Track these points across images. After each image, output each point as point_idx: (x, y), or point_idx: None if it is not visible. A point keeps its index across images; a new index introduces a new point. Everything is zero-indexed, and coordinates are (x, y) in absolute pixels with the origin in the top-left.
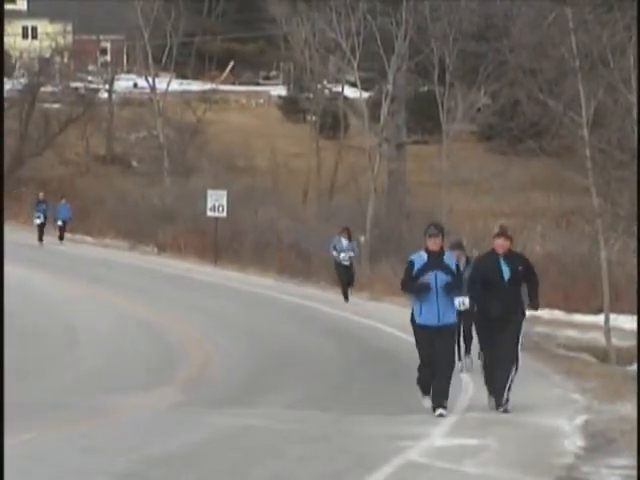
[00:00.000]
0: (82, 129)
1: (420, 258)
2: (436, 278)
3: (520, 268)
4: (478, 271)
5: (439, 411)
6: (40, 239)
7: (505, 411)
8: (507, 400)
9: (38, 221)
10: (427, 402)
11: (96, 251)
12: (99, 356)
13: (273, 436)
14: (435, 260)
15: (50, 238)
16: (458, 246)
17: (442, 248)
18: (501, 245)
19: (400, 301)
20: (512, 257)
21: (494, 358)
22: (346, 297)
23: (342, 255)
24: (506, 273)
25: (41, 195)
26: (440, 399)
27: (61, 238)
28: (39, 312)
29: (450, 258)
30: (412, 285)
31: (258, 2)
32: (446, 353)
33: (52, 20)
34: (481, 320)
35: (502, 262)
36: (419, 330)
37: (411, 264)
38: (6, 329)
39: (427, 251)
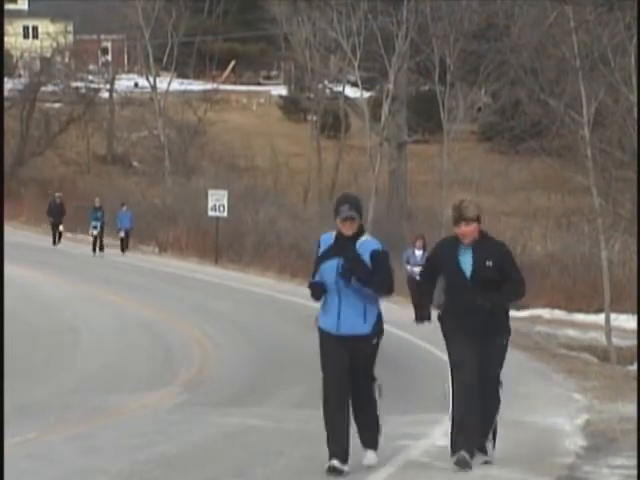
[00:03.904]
0: (83, 129)
1: (328, 239)
2: (338, 269)
3: (489, 263)
4: (431, 261)
5: (332, 462)
6: (94, 249)
7: (487, 462)
8: (489, 447)
9: (95, 232)
10: (336, 463)
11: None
12: (100, 356)
13: (274, 436)
14: (343, 244)
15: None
16: None
17: (361, 230)
18: (464, 234)
19: (399, 300)
20: (482, 246)
21: (468, 373)
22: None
23: (415, 269)
24: (466, 267)
25: (97, 201)
26: (335, 446)
27: (123, 249)
28: (40, 312)
29: (368, 245)
30: (312, 279)
31: (259, 2)
32: (358, 379)
33: (53, 20)
34: (448, 330)
35: (463, 252)
36: (320, 335)
37: (317, 245)
38: (6, 329)
39: (337, 232)
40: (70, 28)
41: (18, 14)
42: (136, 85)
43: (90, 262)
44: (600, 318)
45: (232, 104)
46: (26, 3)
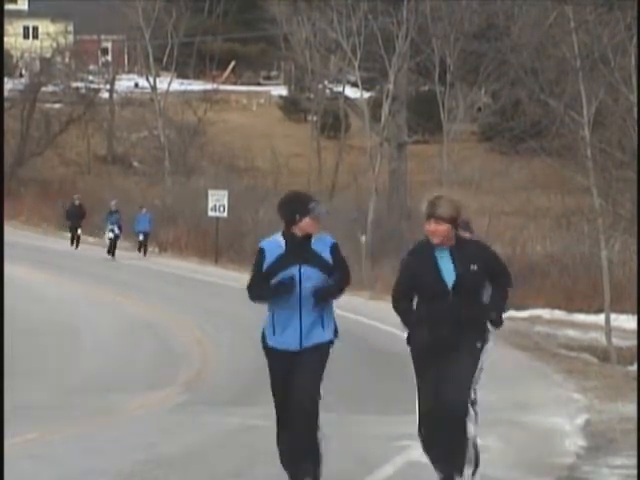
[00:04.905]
0: (83, 129)
1: (275, 245)
2: (300, 276)
3: (474, 267)
4: (408, 271)
5: None
6: (111, 253)
7: None
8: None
9: (111, 235)
10: None
11: (97, 251)
12: (100, 356)
13: (274, 436)
14: (298, 248)
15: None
16: (464, 227)
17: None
18: (432, 232)
19: None
20: (463, 249)
21: (438, 407)
22: None
23: None
24: (449, 276)
25: (113, 204)
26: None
27: (144, 252)
28: (40, 312)
29: (324, 242)
30: (265, 288)
31: (259, 2)
32: (305, 387)
33: (53, 20)
34: (416, 350)
35: (442, 258)
36: (272, 357)
37: (261, 254)
38: (6, 329)
39: (286, 235)
40: (70, 28)
41: (18, 14)
42: (136, 85)
43: (90, 262)
44: (600, 318)
45: (232, 104)
46: (26, 3)
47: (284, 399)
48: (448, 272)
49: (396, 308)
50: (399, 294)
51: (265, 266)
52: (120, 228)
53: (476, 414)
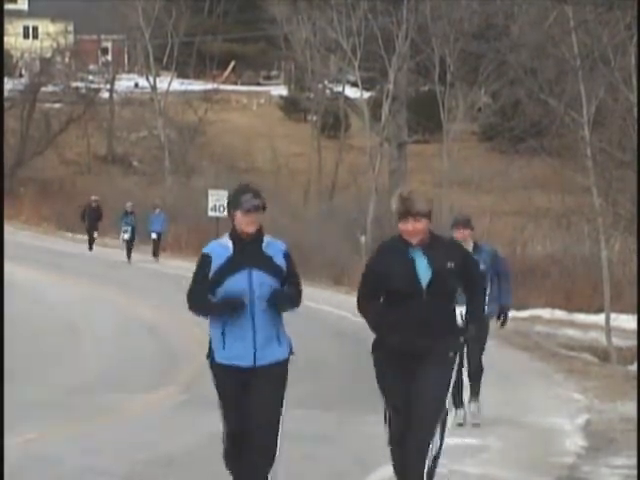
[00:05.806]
0: (83, 129)
1: (222, 248)
2: (251, 280)
3: (451, 264)
4: (376, 270)
5: None
6: (128, 256)
7: None
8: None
9: (126, 236)
10: None
11: (97, 250)
12: (100, 356)
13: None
14: (248, 249)
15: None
16: (465, 224)
17: (261, 231)
18: (412, 232)
19: None
20: (437, 247)
21: (407, 419)
22: None
23: None
24: (424, 275)
25: (128, 206)
26: None
27: (155, 254)
28: (40, 311)
29: (275, 247)
30: (207, 301)
31: (259, 2)
32: (265, 414)
33: (53, 20)
34: (384, 357)
35: (417, 256)
36: (221, 374)
37: (206, 260)
38: (7, 329)
39: (233, 235)
40: (70, 28)
41: (18, 14)
42: (136, 85)
43: (91, 263)
44: (600, 318)
45: (232, 104)
46: (26, 3)
47: (237, 430)
48: (423, 271)
49: (364, 310)
50: (366, 295)
51: (212, 272)
52: (134, 230)
53: (443, 433)
